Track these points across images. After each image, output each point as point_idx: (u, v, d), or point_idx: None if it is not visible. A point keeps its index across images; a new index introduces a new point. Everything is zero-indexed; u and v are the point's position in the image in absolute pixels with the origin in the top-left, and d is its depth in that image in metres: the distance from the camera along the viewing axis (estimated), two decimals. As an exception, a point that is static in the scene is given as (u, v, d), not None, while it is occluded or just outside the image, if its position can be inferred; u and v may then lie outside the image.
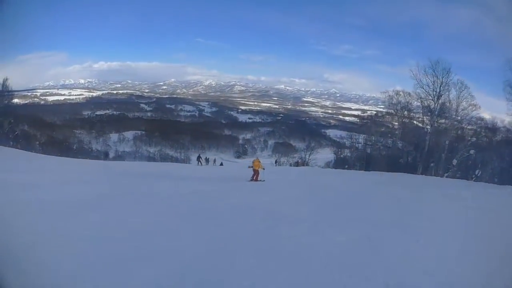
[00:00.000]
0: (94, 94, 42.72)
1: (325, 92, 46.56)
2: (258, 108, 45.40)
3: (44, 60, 39.35)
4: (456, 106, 25.93)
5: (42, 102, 39.85)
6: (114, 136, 39.40)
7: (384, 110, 33.87)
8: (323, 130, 43.26)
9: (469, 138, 26.49)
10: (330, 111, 45.49)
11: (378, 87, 56.81)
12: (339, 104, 45.81)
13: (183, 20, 53.24)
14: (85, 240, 4.66)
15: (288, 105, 45.94)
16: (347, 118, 43.93)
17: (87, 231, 5.06)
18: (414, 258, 4.35)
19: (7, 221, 5.19)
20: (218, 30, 51.82)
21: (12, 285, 3.28)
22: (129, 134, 39.79)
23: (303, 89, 46.99)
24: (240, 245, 4.63)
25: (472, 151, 25.75)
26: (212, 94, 46.47)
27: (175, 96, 45.39)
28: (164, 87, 45.89)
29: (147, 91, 45.14)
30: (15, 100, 35.60)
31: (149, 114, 42.84)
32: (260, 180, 13.88)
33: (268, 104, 45.83)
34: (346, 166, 32.14)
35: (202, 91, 46.43)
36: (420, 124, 29.03)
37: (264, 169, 14.84)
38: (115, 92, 43.68)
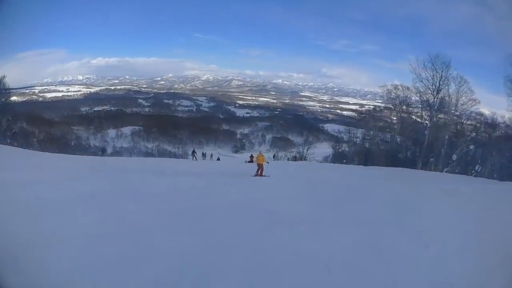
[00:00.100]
0: (92, 90, 42.70)
1: (323, 86, 46.18)
2: (256, 103, 45.07)
3: (42, 58, 39.30)
4: (455, 100, 25.48)
5: (40, 99, 39.92)
6: (112, 132, 39.47)
7: (382, 105, 33.41)
8: (321, 125, 42.93)
9: (469, 134, 26.07)
10: (328, 106, 45.09)
11: (377, 81, 56.09)
12: (337, 98, 45.38)
13: (181, 15, 52.63)
14: (82, 238, 4.64)
15: (286, 100, 45.56)
16: (345, 113, 43.54)
17: (85, 229, 5.05)
18: (419, 263, 4.19)
19: (4, 219, 5.15)
20: (217, 25, 51.23)
21: (12, 285, 3.29)
22: (127, 130, 39.84)
23: (300, 83, 46.63)
24: (231, 255, 4.32)
25: (471, 147, 25.38)
26: (210, 89, 46.21)
27: (172, 91, 45.23)
28: (162, 82, 45.73)
29: (145, 86, 45.02)
30: (13, 98, 35.74)
31: (147, 109, 42.79)
32: (265, 176, 13.70)
33: (266, 99, 45.49)
34: (344, 161, 31.88)
35: (200, 86, 46.19)
36: (418, 119, 28.62)
37: (268, 162, 14.81)
38: (113, 88, 43.60)
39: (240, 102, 45.05)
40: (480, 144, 25.78)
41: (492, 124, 25.83)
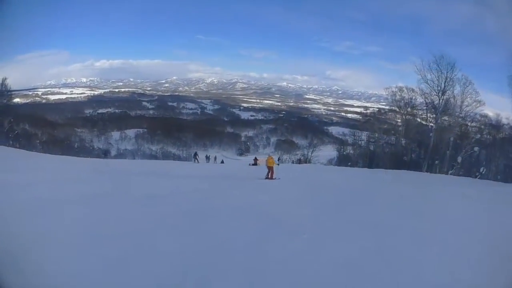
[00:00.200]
0: (96, 93, 42.60)
1: (327, 89, 46.35)
2: (260, 106, 45.18)
3: (45, 59, 39.02)
4: (460, 102, 25.71)
5: (44, 101, 39.72)
6: (116, 134, 39.35)
7: (386, 107, 33.68)
8: (325, 127, 43.07)
9: (473, 136, 26.30)
10: (332, 108, 45.33)
11: (381, 83, 56.41)
12: (342, 101, 45.59)
13: (183, 17, 52.76)
14: (82, 239, 4.66)
15: (291, 103, 45.73)
16: (349, 115, 43.74)
17: (85, 230, 5.08)
18: (430, 278, 4.00)
19: (4, 221, 5.15)
20: (219, 26, 51.27)
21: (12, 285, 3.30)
22: (131, 132, 39.72)
23: (305, 86, 46.75)
24: (233, 258, 4.21)
25: (476, 148, 25.61)
26: (214, 91, 46.31)
27: (177, 94, 45.23)
28: (166, 85, 45.75)
29: (149, 89, 45.00)
30: (16, 100, 35.62)
31: (151, 112, 42.70)
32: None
33: (270, 102, 45.62)
34: (349, 164, 32.00)
35: (204, 89, 46.27)
36: (423, 121, 28.84)
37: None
38: (117, 90, 43.54)
39: (245, 104, 45.14)
40: (484, 146, 26.02)
41: (496, 126, 26.09)
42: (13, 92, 33.40)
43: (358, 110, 42.76)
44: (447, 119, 26.97)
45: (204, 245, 4.62)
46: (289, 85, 46.66)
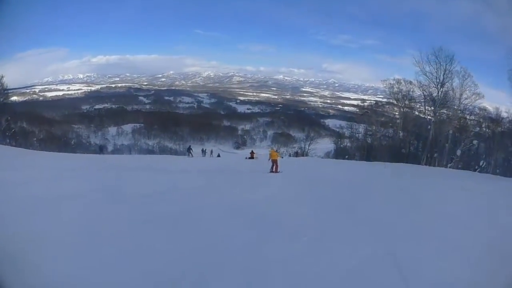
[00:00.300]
0: (93, 89, 42.65)
1: (324, 82, 45.85)
2: (257, 99, 44.86)
3: (42, 57, 39.28)
4: (459, 95, 24.97)
5: (41, 98, 39.95)
6: (112, 130, 39.49)
7: (384, 100, 32.99)
8: (322, 120, 42.68)
9: (472, 129, 25.65)
10: (329, 101, 44.79)
11: (377, 77, 55.54)
12: (338, 94, 45.00)
13: (181, 12, 52.21)
14: (74, 239, 4.52)
15: (287, 96, 45.29)
16: (346, 108, 43.19)
17: (75, 230, 4.91)
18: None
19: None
20: (217, 21, 50.67)
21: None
22: (128, 127, 39.82)
23: (301, 79, 46.36)
24: (224, 265, 3.91)
25: (475, 142, 25.00)
26: (211, 85, 46.00)
27: (173, 88, 45.08)
28: (163, 79, 45.58)
29: (145, 83, 44.91)
30: (14, 98, 35.83)
31: (147, 106, 42.71)
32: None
33: (267, 95, 45.22)
34: (346, 156, 31.63)
35: (201, 83, 45.99)
36: (421, 114, 28.21)
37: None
38: (113, 85, 43.53)
39: (241, 98, 44.86)
40: (483, 140, 25.41)
41: (495, 119, 25.34)
42: (11, 91, 33.66)
43: (355, 103, 42.14)
44: (445, 111, 26.28)
45: (199, 248, 4.39)
46: (286, 78, 46.36)
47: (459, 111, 25.32)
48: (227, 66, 47.83)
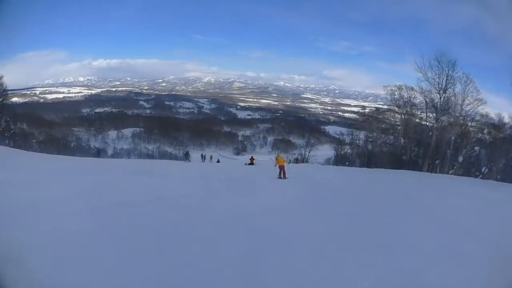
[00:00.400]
0: (93, 92, 42.64)
1: (324, 88, 46.01)
2: (257, 105, 44.90)
3: (43, 59, 39.22)
4: (461, 101, 24.96)
5: (41, 100, 39.86)
6: (112, 134, 39.32)
7: (384, 107, 33.06)
8: (322, 127, 42.69)
9: (473, 135, 25.58)
10: (329, 108, 44.94)
11: (378, 83, 55.85)
12: (339, 100, 45.20)
13: (181, 17, 52.59)
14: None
15: (287, 102, 45.41)
16: (346, 115, 43.29)
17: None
18: None
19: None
20: (217, 26, 50.99)
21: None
22: (128, 131, 39.67)
23: (302, 85, 46.47)
24: None
25: (476, 148, 24.89)
26: (211, 91, 46.11)
27: (174, 93, 45.15)
28: (163, 84, 45.68)
29: (146, 88, 44.97)
30: (14, 99, 35.73)
31: (148, 111, 42.66)
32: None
33: (267, 101, 45.31)
34: (347, 163, 31.49)
35: (201, 88, 46.09)
36: (423, 120, 28.15)
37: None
38: (114, 89, 43.55)
39: (242, 104, 44.90)
40: (484, 146, 25.33)
41: (497, 125, 25.31)
42: (12, 92, 33.53)
43: (355, 109, 42.22)
44: (446, 119, 26.25)
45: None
46: (286, 84, 46.48)
47: (461, 118, 25.27)
48: (227, 71, 48.08)
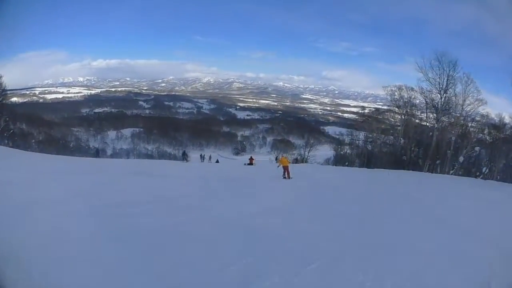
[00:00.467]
0: (93, 92, 42.63)
1: (324, 89, 46.25)
2: (257, 105, 44.98)
3: (43, 59, 39.26)
4: (462, 101, 24.91)
5: (41, 100, 39.84)
6: (112, 134, 39.30)
7: (384, 107, 33.04)
8: (322, 127, 42.71)
9: (474, 136, 25.55)
10: (328, 108, 44.99)
11: (377, 84, 56.00)
12: (338, 101, 45.24)
13: (181, 18, 52.73)
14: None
15: (287, 102, 45.47)
16: (345, 115, 43.30)
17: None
18: None
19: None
20: (217, 27, 51.12)
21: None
22: (127, 132, 39.67)
23: (301, 86, 46.74)
24: None
25: (476, 148, 24.87)
26: (211, 91, 46.14)
27: (173, 93, 45.14)
28: (163, 84, 45.72)
29: (145, 88, 44.98)
30: (14, 99, 35.69)
31: (147, 111, 42.67)
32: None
33: (266, 101, 45.37)
34: (346, 163, 31.42)
35: (201, 88, 46.12)
36: (423, 121, 28.10)
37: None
38: (113, 89, 43.56)
39: (241, 104, 44.96)
40: (485, 146, 25.30)
41: (498, 126, 25.29)
42: (11, 92, 33.47)
43: (354, 110, 42.26)
44: (447, 119, 26.20)
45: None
46: (286, 85, 46.66)
47: (462, 118, 25.22)
48: (227, 72, 48.22)
